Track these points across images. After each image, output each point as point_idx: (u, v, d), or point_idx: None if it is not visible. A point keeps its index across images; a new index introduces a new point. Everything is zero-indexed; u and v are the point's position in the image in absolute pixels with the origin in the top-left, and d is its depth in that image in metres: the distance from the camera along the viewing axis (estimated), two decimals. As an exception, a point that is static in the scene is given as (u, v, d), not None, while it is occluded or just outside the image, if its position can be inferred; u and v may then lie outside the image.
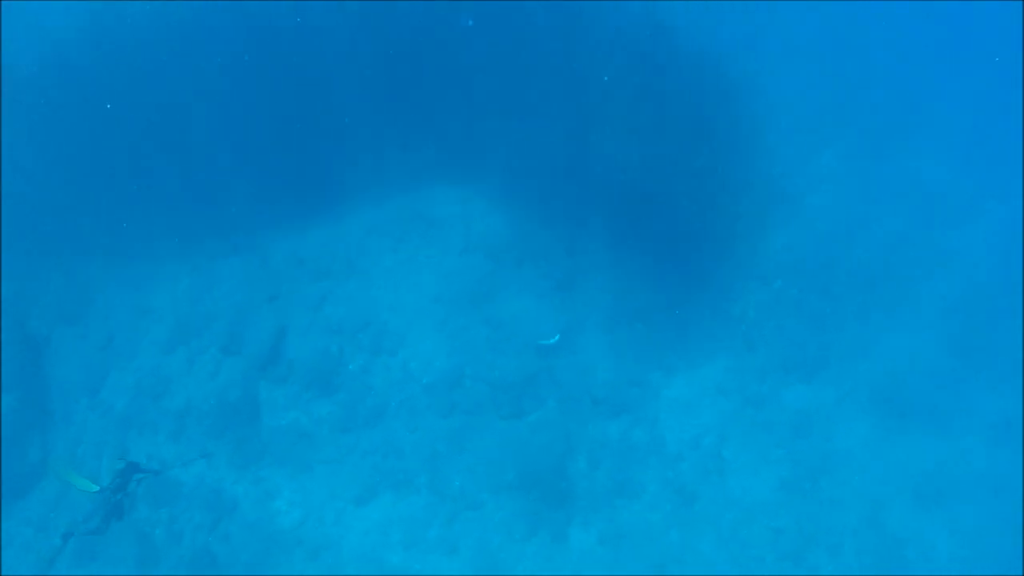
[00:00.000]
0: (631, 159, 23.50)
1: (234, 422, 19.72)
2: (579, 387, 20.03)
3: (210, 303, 21.66)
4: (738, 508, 18.59)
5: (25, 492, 19.40)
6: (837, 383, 20.77)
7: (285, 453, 19.33)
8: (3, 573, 18.29)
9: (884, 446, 19.63)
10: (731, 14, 27.09)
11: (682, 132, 22.66)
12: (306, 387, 20.14)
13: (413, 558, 17.80)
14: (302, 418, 19.79)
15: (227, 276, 22.19)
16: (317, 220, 23.14)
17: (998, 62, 28.97)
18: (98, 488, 14.28)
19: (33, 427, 19.96)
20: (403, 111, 23.98)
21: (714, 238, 23.20)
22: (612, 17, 23.42)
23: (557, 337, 20.63)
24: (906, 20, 29.26)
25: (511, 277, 21.87)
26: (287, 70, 22.88)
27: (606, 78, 22.79)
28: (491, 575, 17.63)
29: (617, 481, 18.73)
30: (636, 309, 21.45)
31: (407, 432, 19.49)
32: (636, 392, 20.09)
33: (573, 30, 23.41)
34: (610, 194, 23.08)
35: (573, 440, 19.26)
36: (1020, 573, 16.68)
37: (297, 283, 21.94)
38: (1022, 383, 20.87)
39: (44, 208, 22.17)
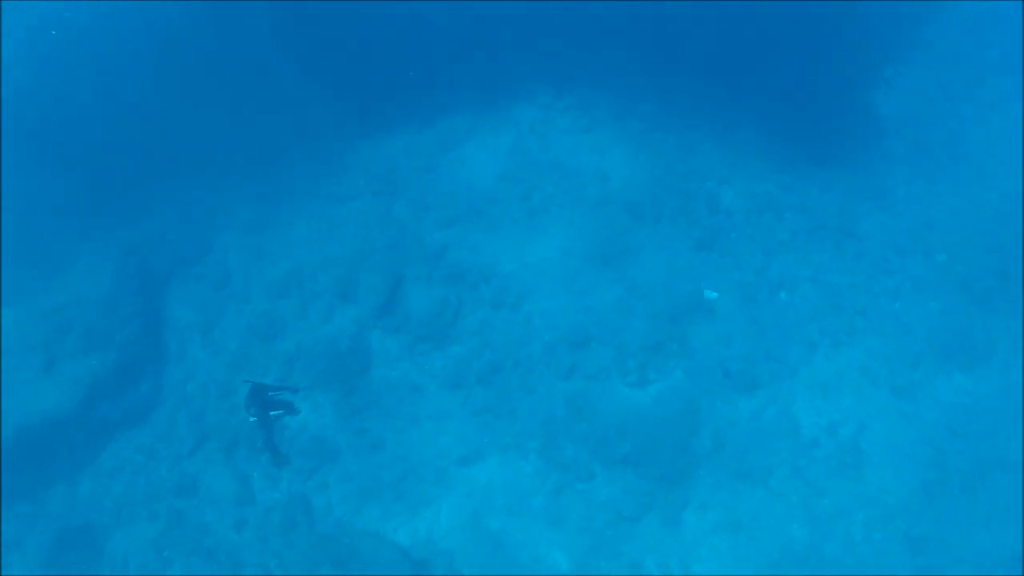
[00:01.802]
0: (783, 116, 22.64)
1: (343, 370, 19.94)
2: (711, 358, 19.37)
3: (329, 247, 22.00)
4: (873, 508, 17.55)
5: (139, 421, 20.32)
6: (1003, 378, 19.27)
7: (393, 406, 19.44)
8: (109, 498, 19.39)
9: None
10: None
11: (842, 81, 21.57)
12: (420, 339, 20.16)
13: (515, 526, 17.66)
14: (413, 371, 19.86)
15: (347, 221, 22.46)
16: (446, 163, 23.09)
17: None
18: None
19: (148, 360, 20.91)
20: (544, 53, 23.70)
21: (872, 200, 22.14)
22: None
23: (717, 294, 20.12)
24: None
25: (649, 234, 21.35)
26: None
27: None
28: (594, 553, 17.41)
29: (742, 464, 18.03)
30: (781, 277, 20.65)
31: (523, 392, 19.26)
32: (773, 368, 19.23)
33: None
34: (758, 150, 22.31)
35: (699, 415, 18.64)
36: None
37: (420, 230, 21.97)
38: None
39: (172, 150, 23.06)
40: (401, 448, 18.90)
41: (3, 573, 18.41)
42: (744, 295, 20.35)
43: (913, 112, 24.69)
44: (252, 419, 14.69)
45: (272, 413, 14.89)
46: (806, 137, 22.70)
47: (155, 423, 20.28)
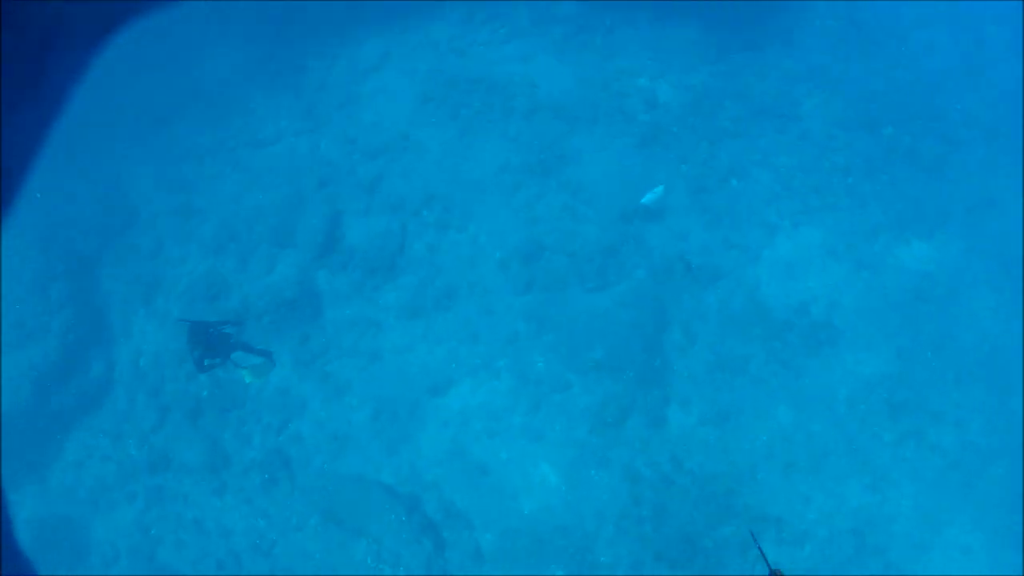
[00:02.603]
0: (710, 6, 22.39)
1: (295, 317, 19.34)
2: (670, 253, 19.10)
3: (258, 196, 21.21)
4: (853, 382, 17.64)
5: (96, 405, 19.48)
6: (961, 240, 19.52)
7: (352, 345, 18.91)
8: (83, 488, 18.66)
9: (1015, 313, 18.32)
10: None
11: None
12: (369, 273, 19.60)
13: (498, 447, 17.33)
14: (367, 307, 19.31)
15: (273, 167, 21.68)
16: (365, 93, 22.35)
17: None
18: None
19: (92, 342, 20.06)
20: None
21: (810, 80, 22.03)
22: None
23: (661, 188, 19.35)
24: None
25: (586, 138, 20.86)
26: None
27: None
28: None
29: (718, 355, 17.87)
30: (729, 165, 20.39)
31: (482, 313, 18.82)
32: (734, 255, 19.07)
33: None
34: (689, 43, 21.99)
35: (666, 312, 18.41)
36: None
37: (350, 164, 21.30)
38: None
39: (77, 122, 21.76)
40: (369, 387, 18.39)
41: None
42: (695, 186, 20.10)
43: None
44: (198, 358, 14.11)
45: (219, 356, 14.32)
46: (736, 24, 22.44)
47: (114, 404, 19.45)
